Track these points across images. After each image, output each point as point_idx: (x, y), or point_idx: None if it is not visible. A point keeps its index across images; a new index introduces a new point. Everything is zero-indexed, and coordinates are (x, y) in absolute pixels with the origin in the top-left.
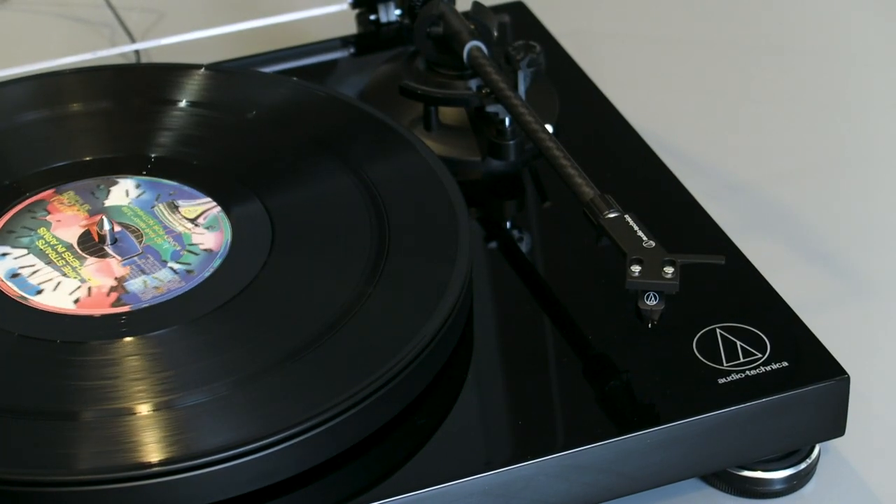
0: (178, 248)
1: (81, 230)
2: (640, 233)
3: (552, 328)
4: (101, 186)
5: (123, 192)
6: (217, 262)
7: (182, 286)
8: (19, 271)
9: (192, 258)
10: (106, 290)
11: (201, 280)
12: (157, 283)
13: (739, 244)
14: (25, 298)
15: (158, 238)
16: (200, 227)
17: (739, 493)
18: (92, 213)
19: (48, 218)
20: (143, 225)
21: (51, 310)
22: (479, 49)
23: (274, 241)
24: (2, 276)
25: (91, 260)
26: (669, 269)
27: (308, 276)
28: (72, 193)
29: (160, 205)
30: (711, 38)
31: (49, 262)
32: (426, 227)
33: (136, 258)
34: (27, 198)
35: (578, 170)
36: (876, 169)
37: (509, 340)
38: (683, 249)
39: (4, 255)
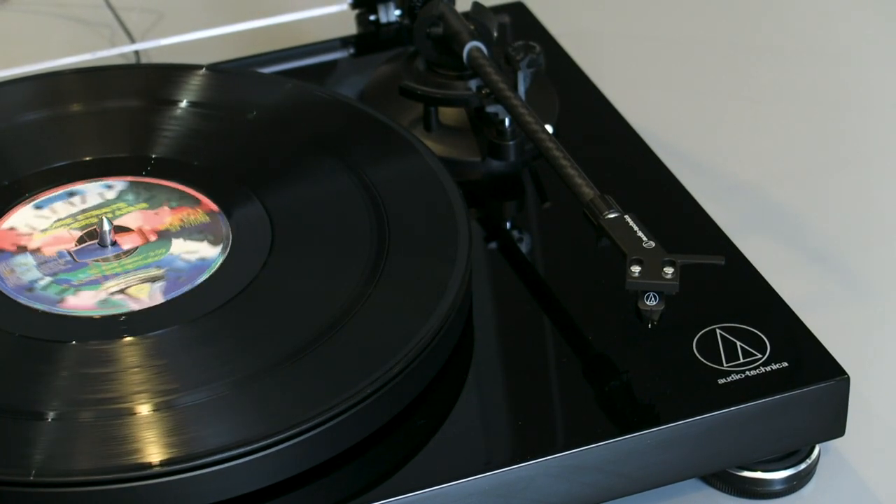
0: (79, 283)
1: (134, 229)
2: (640, 233)
3: (552, 328)
4: (215, 239)
5: (204, 249)
6: (56, 310)
7: (24, 301)
8: (50, 204)
9: (68, 296)
10: (17, 250)
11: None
12: (32, 285)
13: (739, 244)
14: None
15: (113, 269)
16: (117, 294)
17: (739, 494)
18: (157, 236)
19: (158, 206)
20: (141, 257)
21: None
22: (478, 49)
23: (274, 242)
24: (40, 198)
25: (71, 231)
26: (669, 270)
27: (308, 277)
28: (202, 214)
29: (174, 269)
30: (711, 38)
31: (66, 216)
32: (426, 227)
33: (72, 258)
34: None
35: (578, 170)
36: (876, 169)
37: (509, 340)
38: (683, 250)
39: (75, 194)
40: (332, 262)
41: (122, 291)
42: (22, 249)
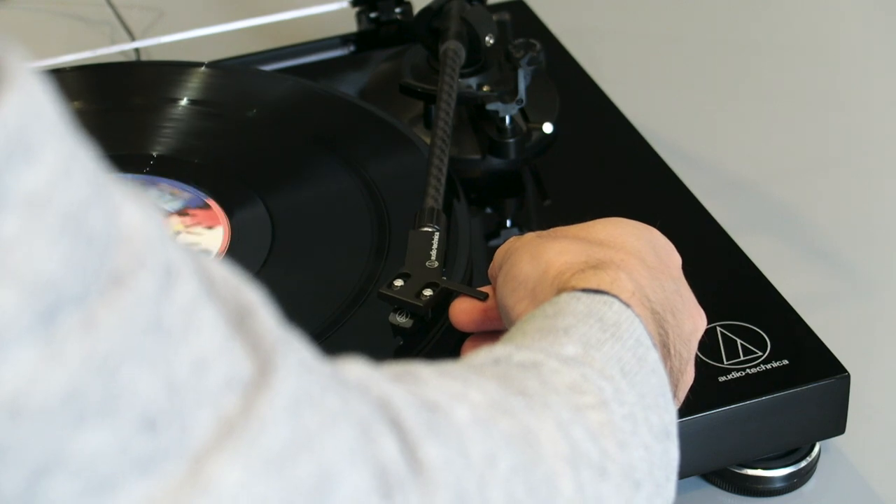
0: None
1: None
2: (433, 252)
3: None
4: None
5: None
6: None
7: None
8: None
9: None
10: None
11: None
12: None
13: (739, 242)
14: None
15: None
16: None
17: (740, 492)
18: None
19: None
20: None
21: None
22: (454, 52)
23: (274, 240)
24: None
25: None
26: (428, 293)
27: (308, 275)
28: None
29: None
30: (711, 36)
31: None
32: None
33: None
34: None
35: (440, 180)
36: (877, 167)
37: None
38: (684, 246)
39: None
40: (333, 260)
41: None
42: None
